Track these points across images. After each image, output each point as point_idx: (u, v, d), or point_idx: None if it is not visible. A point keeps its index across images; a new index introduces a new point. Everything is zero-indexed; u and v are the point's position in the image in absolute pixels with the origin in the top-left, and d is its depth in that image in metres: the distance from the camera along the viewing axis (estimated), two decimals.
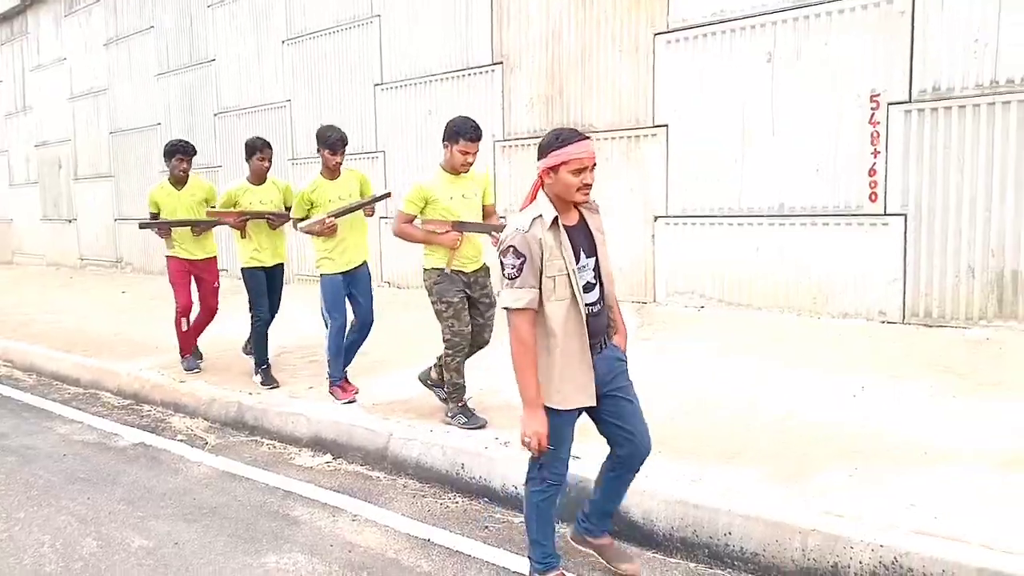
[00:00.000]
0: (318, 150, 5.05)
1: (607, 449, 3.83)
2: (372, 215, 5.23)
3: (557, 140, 2.61)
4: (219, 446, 4.87)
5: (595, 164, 2.65)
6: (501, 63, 8.33)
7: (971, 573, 2.51)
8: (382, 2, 9.40)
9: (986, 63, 5.38)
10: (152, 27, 13.03)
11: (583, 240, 2.71)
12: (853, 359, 5.23)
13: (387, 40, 9.42)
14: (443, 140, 4.38)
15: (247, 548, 3.44)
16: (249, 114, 11.41)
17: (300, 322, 7.19)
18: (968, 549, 2.59)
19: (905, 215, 5.81)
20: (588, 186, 2.62)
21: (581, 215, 2.76)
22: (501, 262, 2.62)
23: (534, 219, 2.61)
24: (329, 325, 5.12)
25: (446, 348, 4.40)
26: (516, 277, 2.57)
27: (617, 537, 3.34)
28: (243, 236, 5.62)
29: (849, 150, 6.02)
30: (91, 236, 15.34)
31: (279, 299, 5.96)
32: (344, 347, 5.17)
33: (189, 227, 6.09)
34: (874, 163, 5.92)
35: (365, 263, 5.24)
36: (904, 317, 5.89)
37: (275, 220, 5.74)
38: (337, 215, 4.98)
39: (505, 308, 2.61)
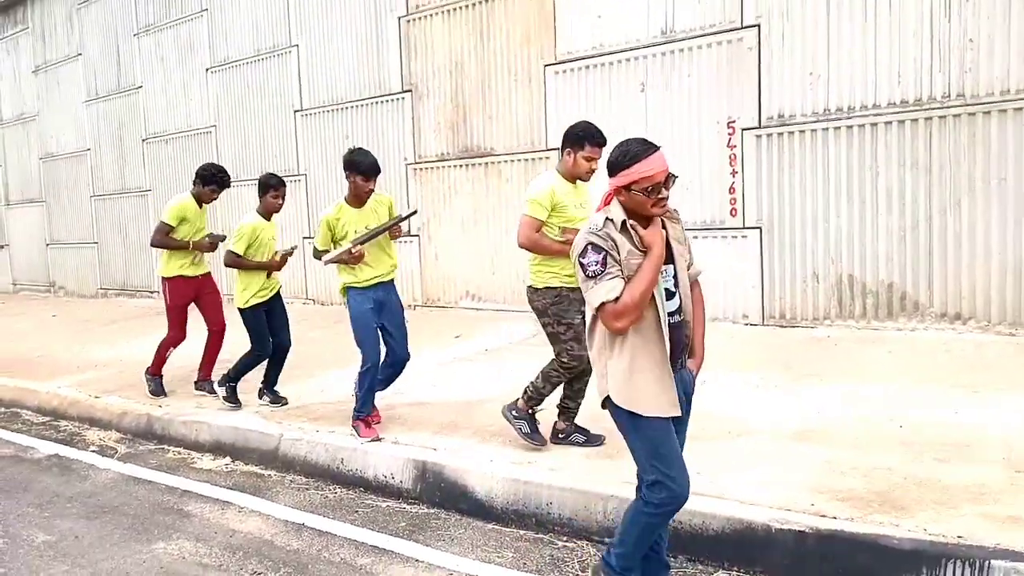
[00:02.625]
0: (347, 176, 4.61)
1: (465, 444, 4.36)
2: (399, 236, 4.81)
3: (626, 158, 2.45)
4: (128, 454, 5.26)
5: (671, 176, 2.47)
6: (411, 91, 8.89)
7: (720, 521, 3.11)
8: (299, 32, 9.89)
9: (820, 93, 6.12)
10: (80, 55, 13.28)
11: None
12: (709, 358, 5.83)
13: (305, 68, 9.90)
14: (563, 148, 4.00)
15: (140, 538, 3.87)
16: (176, 139, 11.76)
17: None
18: (723, 503, 3.18)
19: (760, 228, 6.51)
20: (663, 200, 2.46)
21: (661, 222, 2.58)
22: (581, 264, 2.47)
23: (606, 219, 2.50)
24: (362, 361, 4.65)
25: (561, 369, 4.04)
26: (601, 272, 2.42)
27: (465, 514, 3.87)
28: (269, 276, 5.48)
29: (712, 170, 6.71)
30: (24, 261, 15.40)
31: (288, 328, 5.66)
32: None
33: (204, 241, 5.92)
34: (733, 182, 6.61)
35: (393, 282, 4.81)
36: (763, 319, 6.57)
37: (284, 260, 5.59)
38: (362, 241, 4.57)
39: (601, 304, 2.42)
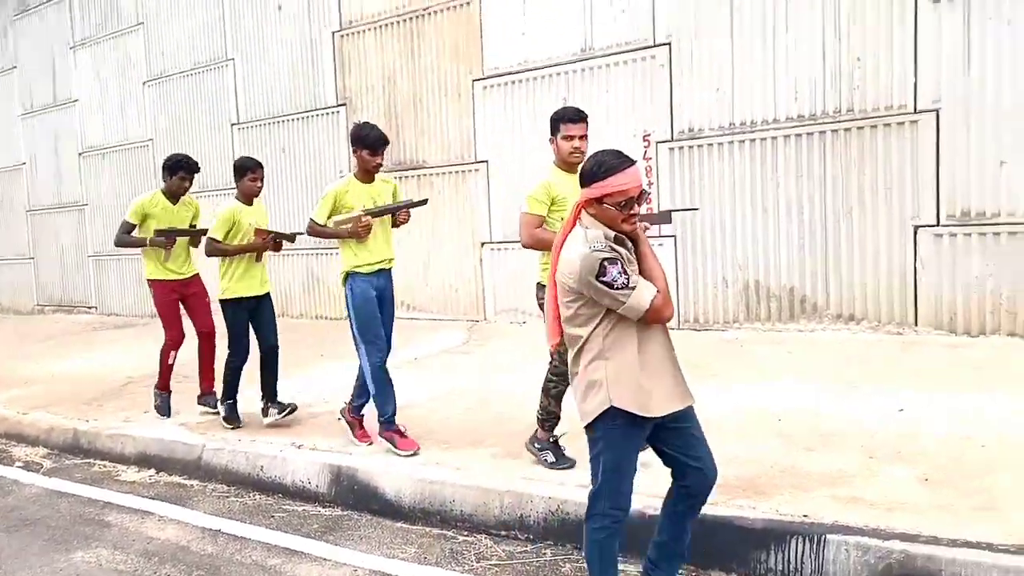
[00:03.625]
0: (354, 151, 4.54)
1: (380, 448, 4.55)
2: (407, 221, 4.69)
3: (600, 169, 2.46)
4: (53, 469, 5.33)
5: (643, 192, 2.51)
6: (345, 104, 9.05)
7: None
8: (235, 46, 9.98)
9: (725, 108, 6.47)
10: (14, 67, 13.12)
11: None
12: None
13: (241, 82, 10.00)
14: (549, 137, 4.00)
15: (59, 548, 3.97)
16: (113, 153, 11.72)
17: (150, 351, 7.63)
18: None
19: (675, 236, 6.83)
20: (634, 215, 2.50)
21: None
22: (601, 282, 2.43)
23: (601, 236, 2.49)
24: (366, 357, 4.46)
25: (551, 375, 3.95)
26: (628, 278, 2.43)
27: (376, 514, 4.07)
28: (261, 255, 5.29)
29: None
30: None
31: (275, 330, 5.44)
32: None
33: (187, 239, 5.72)
34: (649, 192, 6.91)
35: (391, 273, 4.69)
36: (679, 324, 6.89)
37: (281, 242, 5.35)
38: (374, 214, 4.46)
39: (650, 304, 2.43)
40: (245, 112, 10.02)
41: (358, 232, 4.40)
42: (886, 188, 5.82)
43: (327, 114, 9.22)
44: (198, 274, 5.92)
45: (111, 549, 3.93)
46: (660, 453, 2.69)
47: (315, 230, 4.56)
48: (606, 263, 2.42)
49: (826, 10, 5.94)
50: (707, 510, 3.18)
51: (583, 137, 3.86)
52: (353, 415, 4.76)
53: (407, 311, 8.70)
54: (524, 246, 3.92)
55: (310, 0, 9.14)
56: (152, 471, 5.10)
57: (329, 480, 4.31)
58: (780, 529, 2.98)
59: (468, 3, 7.87)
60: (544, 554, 3.44)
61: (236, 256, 5.23)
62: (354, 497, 4.19)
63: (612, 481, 2.59)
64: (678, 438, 2.63)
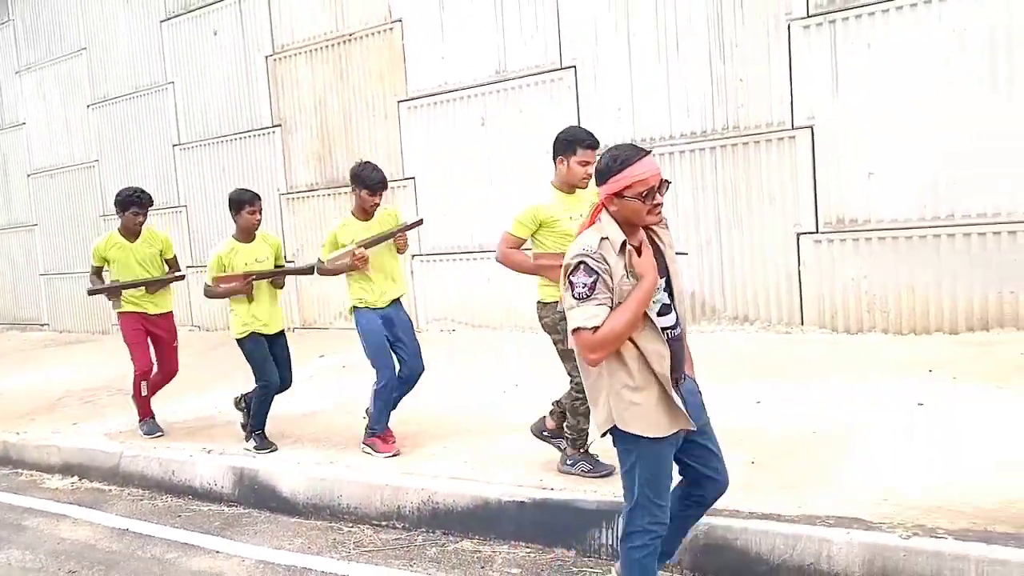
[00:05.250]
0: (353, 189, 4.62)
1: (283, 450, 4.82)
2: (405, 247, 4.75)
3: (616, 163, 2.38)
4: None
5: (664, 181, 2.41)
6: (280, 125, 9.37)
7: (467, 498, 3.72)
8: (175, 70, 10.26)
9: (626, 126, 6.88)
10: None
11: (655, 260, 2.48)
12: (520, 366, 6.46)
13: (181, 104, 10.27)
14: (554, 156, 3.96)
15: None
16: (60, 174, 11.92)
17: (94, 365, 7.89)
18: (471, 484, 3.80)
19: None
20: (658, 206, 2.41)
21: (649, 232, 2.52)
22: (569, 282, 2.36)
23: (602, 239, 2.37)
24: (377, 378, 4.63)
25: (576, 393, 3.78)
26: (588, 296, 2.33)
27: (273, 511, 4.38)
28: (250, 300, 4.99)
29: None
30: None
31: (290, 370, 5.34)
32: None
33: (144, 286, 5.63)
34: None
35: (400, 301, 4.80)
36: None
37: (281, 279, 5.27)
38: (367, 245, 4.53)
39: (577, 329, 2.34)
40: (186, 133, 10.29)
41: (355, 265, 4.51)
42: (770, 198, 6.25)
43: (264, 134, 9.52)
44: (171, 312, 5.83)
45: (22, 550, 4.20)
46: (679, 463, 2.64)
47: (323, 269, 4.69)
48: (582, 266, 2.35)
49: (711, 35, 6.38)
50: (551, 495, 3.56)
51: (593, 163, 3.81)
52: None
53: (345, 322, 9.00)
54: (497, 260, 3.96)
55: (244, 25, 9.46)
56: (75, 478, 5.37)
57: (233, 481, 4.61)
58: (609, 509, 3.34)
59: (391, 29, 8.24)
60: (416, 540, 3.78)
61: (247, 295, 4.98)
62: (255, 496, 4.50)
63: (648, 494, 2.50)
64: (699, 451, 2.62)
